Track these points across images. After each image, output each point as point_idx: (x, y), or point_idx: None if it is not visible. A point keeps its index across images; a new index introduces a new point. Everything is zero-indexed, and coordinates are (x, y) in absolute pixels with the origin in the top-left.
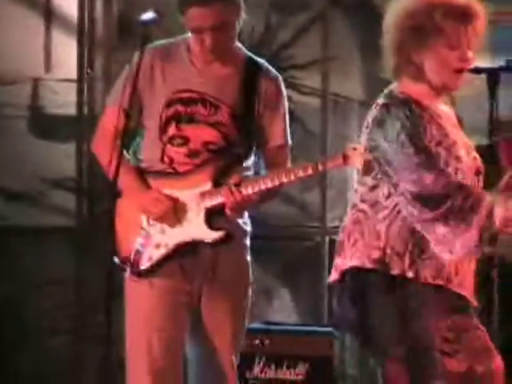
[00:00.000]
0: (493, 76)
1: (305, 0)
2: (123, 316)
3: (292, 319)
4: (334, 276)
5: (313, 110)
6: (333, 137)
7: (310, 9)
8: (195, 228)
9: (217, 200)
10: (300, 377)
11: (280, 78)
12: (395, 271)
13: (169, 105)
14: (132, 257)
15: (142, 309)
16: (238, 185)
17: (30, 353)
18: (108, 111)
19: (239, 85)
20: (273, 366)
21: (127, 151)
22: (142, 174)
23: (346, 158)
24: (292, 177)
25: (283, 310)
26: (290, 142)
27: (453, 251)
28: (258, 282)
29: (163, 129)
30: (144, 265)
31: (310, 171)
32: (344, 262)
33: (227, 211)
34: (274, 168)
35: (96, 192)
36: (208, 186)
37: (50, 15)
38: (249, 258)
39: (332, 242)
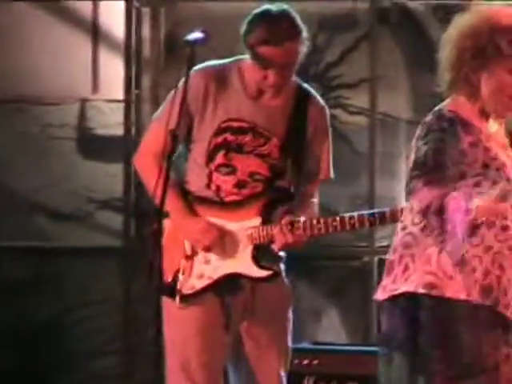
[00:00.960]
0: None
1: (352, 19)
2: None
3: (341, 339)
4: (382, 295)
5: (360, 129)
6: (381, 156)
7: (357, 28)
8: (241, 263)
9: (267, 237)
10: None
11: (326, 108)
12: (448, 294)
13: (218, 132)
14: (173, 283)
15: (180, 336)
16: (290, 226)
17: (77, 375)
18: (153, 127)
19: (289, 116)
20: None
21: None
22: (186, 196)
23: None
24: (347, 227)
25: (332, 330)
26: (332, 176)
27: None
28: (307, 302)
29: (211, 156)
30: (185, 293)
31: (366, 223)
32: (395, 286)
33: (276, 249)
34: (305, 197)
35: (143, 212)
36: (256, 220)
37: (96, 35)
38: (286, 280)
39: (381, 261)
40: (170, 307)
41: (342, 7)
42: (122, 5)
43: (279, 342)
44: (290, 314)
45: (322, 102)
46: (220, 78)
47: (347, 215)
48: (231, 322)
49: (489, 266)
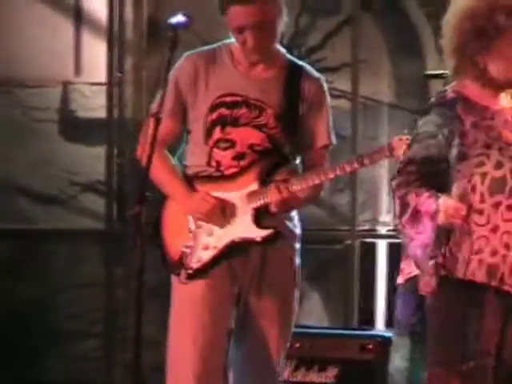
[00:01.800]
0: None
1: (335, 4)
2: (154, 318)
3: (322, 322)
4: (400, 279)
5: (343, 112)
6: (363, 139)
7: (340, 12)
8: (243, 228)
9: (264, 199)
10: (330, 380)
11: (322, 78)
12: (456, 274)
13: (213, 109)
14: (180, 260)
15: (188, 310)
16: (285, 182)
17: (60, 357)
18: (150, 120)
19: (282, 87)
20: (303, 369)
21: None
22: (188, 180)
23: (391, 149)
24: (338, 172)
25: (313, 314)
26: (334, 142)
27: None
28: None
29: (208, 132)
30: (193, 267)
31: (355, 165)
32: (410, 269)
33: (273, 208)
34: (308, 167)
35: (125, 195)
36: (255, 185)
37: (79, 18)
38: (298, 260)
39: (362, 244)
40: (178, 285)
41: None
42: None
43: (283, 316)
44: (296, 293)
45: (316, 73)
46: (210, 59)
47: (338, 163)
48: (240, 294)
49: (496, 246)
